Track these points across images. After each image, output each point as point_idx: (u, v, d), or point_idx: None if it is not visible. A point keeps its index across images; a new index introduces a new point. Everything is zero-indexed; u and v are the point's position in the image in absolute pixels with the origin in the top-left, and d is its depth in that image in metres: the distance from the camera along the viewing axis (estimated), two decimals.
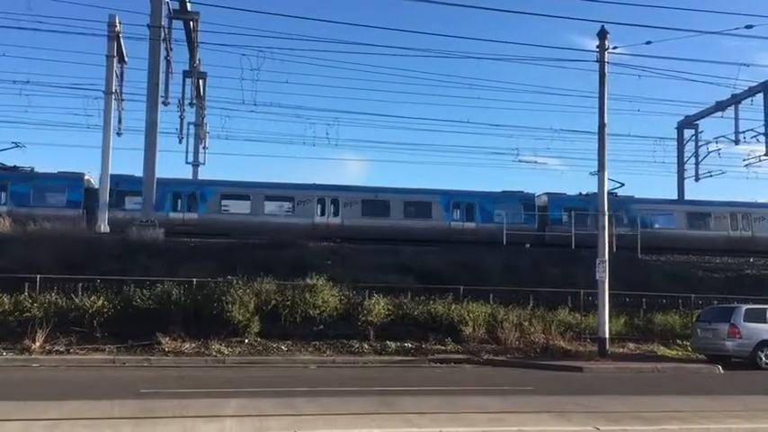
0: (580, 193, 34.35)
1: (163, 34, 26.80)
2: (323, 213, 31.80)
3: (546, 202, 33.88)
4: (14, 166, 31.60)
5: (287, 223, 30.67)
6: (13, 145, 31.45)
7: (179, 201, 31.01)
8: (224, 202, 31.49)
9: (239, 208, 31.46)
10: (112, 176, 29.58)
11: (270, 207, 31.94)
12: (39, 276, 18.78)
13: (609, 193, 21.64)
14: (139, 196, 27.37)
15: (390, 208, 32.07)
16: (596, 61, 21.13)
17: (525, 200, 33.43)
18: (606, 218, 20.76)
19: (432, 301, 20.68)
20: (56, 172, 31.24)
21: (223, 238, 26.86)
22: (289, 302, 19.46)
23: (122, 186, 30.06)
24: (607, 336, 19.86)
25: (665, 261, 29.55)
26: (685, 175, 43.20)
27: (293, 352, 18.72)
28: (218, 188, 31.84)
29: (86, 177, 31.15)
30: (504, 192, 34.04)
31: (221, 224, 30.19)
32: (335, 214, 31.67)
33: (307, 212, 31.62)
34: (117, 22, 29.04)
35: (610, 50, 21.01)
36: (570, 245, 29.59)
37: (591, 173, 25.23)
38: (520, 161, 37.20)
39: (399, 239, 28.88)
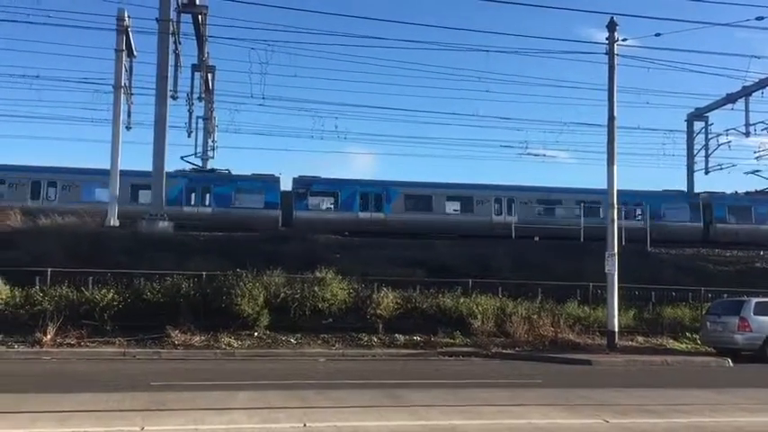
0: (736, 192, 36.62)
1: (171, 28, 26.87)
2: (499, 212, 32.95)
3: (708, 200, 35.20)
4: (212, 170, 33.66)
5: (466, 221, 32.29)
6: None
7: (367, 201, 32.28)
8: (407, 202, 32.66)
9: (422, 207, 32.53)
10: (303, 178, 32.07)
11: (450, 206, 33.34)
12: (50, 270, 18.91)
13: None
14: (325, 196, 31.24)
15: (563, 207, 33.52)
16: (605, 53, 21.04)
17: (690, 199, 35.20)
18: (615, 211, 20.69)
19: (441, 295, 20.69)
20: (251, 174, 32.70)
21: (408, 238, 27.96)
22: (298, 295, 19.52)
23: (315, 188, 32.18)
24: (616, 329, 19.83)
25: (675, 254, 29.44)
26: (695, 168, 42.98)
27: (302, 345, 18.79)
28: (402, 189, 33.03)
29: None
30: (665, 191, 35.76)
31: (406, 223, 31.25)
32: (511, 213, 32.82)
33: (485, 211, 32.82)
34: (126, 16, 29.13)
35: (619, 42, 20.90)
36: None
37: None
38: (528, 154, 37.15)
39: (574, 237, 29.69)
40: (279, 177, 32.34)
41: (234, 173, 33.21)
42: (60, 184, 30.66)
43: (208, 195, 31.46)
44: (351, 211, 31.87)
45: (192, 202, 31.33)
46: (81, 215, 25.23)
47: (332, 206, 32.52)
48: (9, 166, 31.37)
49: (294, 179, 32.38)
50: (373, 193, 32.54)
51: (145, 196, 29.45)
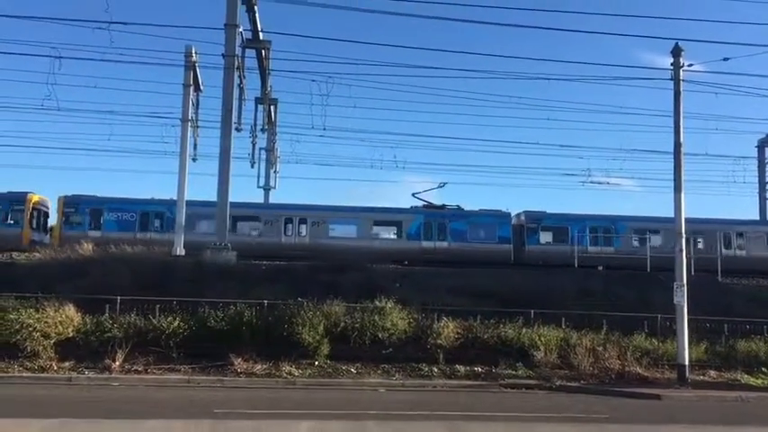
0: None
1: (237, 63, 27.64)
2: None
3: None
4: (443, 205, 34.96)
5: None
6: (439, 185, 35.42)
7: (597, 235, 33.55)
8: (634, 235, 33.77)
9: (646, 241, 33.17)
10: (533, 213, 33.95)
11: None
12: (119, 298, 19.48)
13: None
14: (555, 231, 32.56)
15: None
16: (671, 79, 20.59)
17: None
18: (684, 240, 20.07)
19: (502, 325, 20.36)
20: (479, 210, 34.53)
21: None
22: (358, 325, 19.52)
23: (545, 222, 33.75)
24: (687, 362, 19.10)
25: (748, 284, 28.27)
26: (767, 195, 41.40)
27: (362, 374, 18.74)
28: (630, 223, 34.14)
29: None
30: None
31: (632, 256, 31.60)
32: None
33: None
34: (193, 52, 30.15)
35: (685, 68, 20.45)
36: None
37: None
38: (591, 182, 36.51)
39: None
40: (509, 213, 33.81)
41: (466, 209, 34.76)
42: (310, 221, 32.72)
43: (444, 231, 32.97)
44: (581, 245, 32.78)
45: (430, 238, 32.75)
46: (149, 245, 25.98)
47: (562, 240, 33.18)
48: (264, 204, 35.10)
49: (526, 214, 33.68)
50: (602, 227, 33.59)
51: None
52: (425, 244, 31.90)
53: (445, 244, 32.43)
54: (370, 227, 32.74)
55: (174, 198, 30.46)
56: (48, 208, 33.80)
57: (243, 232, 32.44)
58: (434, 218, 33.28)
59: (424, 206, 34.67)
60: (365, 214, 32.66)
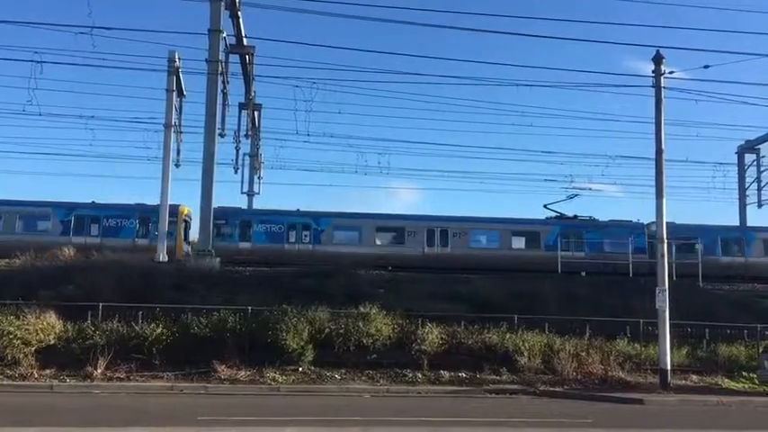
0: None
1: (220, 68, 27.58)
2: None
3: None
4: (575, 216, 35.67)
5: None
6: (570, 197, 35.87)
7: (729, 246, 34.43)
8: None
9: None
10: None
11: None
12: (101, 304, 19.31)
13: None
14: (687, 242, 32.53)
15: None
16: (652, 86, 20.81)
17: None
18: (666, 245, 20.26)
19: (486, 330, 20.43)
20: (609, 221, 35.30)
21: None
22: (342, 331, 19.50)
23: (676, 234, 34.35)
24: (669, 367, 19.25)
25: (728, 290, 28.62)
26: (747, 201, 41.93)
27: (347, 380, 18.71)
28: (759, 234, 35.14)
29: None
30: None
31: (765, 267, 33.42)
32: None
33: None
34: (176, 57, 30.03)
35: (666, 75, 20.68)
36: None
37: None
38: (573, 188, 36.77)
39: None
40: (643, 224, 34.06)
41: (599, 220, 35.49)
42: (451, 231, 33.22)
43: (581, 241, 33.72)
44: (713, 255, 33.28)
45: (567, 248, 33.12)
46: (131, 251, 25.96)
47: (692, 251, 33.25)
48: (407, 215, 35.06)
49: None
50: (734, 238, 34.48)
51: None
52: (563, 254, 32.32)
53: (582, 254, 33.03)
54: (509, 238, 33.27)
55: (324, 210, 33.06)
56: (191, 219, 34.15)
57: (384, 243, 33.14)
58: (571, 229, 34.17)
59: (556, 217, 35.56)
60: (505, 225, 33.39)
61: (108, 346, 18.03)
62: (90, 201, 33.46)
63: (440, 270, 28.77)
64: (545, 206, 35.99)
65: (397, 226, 33.53)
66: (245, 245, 32.15)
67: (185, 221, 33.59)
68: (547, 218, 35.58)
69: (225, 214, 32.44)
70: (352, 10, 22.79)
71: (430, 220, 33.78)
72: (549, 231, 33.73)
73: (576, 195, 36.26)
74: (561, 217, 35.44)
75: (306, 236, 32.73)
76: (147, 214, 32.41)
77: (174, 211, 32.03)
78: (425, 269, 29.26)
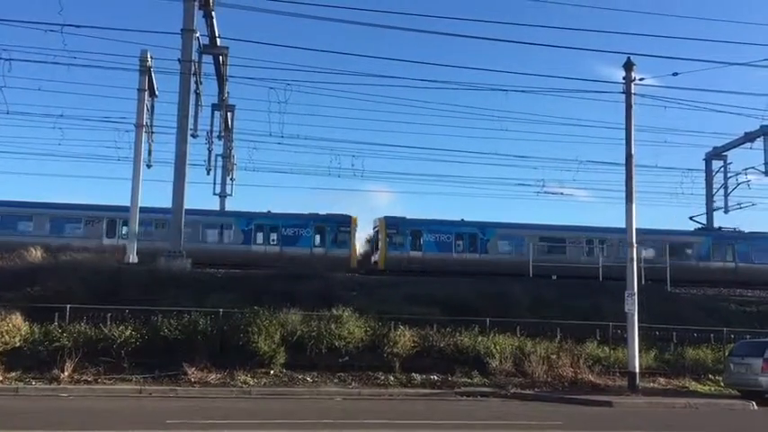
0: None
1: (193, 68, 27.36)
2: None
3: None
4: (719, 228, 37.52)
5: None
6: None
7: None
8: None
9: None
10: None
11: None
12: (69, 306, 19.01)
13: None
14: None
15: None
16: (623, 92, 21.10)
17: None
18: (635, 249, 20.52)
19: (458, 333, 20.51)
20: (749, 231, 36.84)
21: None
22: (314, 333, 19.45)
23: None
24: (637, 370, 19.50)
25: (696, 294, 29.10)
26: (714, 207, 42.66)
27: (319, 383, 18.65)
28: None
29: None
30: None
31: None
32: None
33: None
34: (148, 56, 29.71)
35: (636, 82, 20.98)
36: None
37: None
38: (546, 192, 37.10)
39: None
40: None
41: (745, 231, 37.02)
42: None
43: (732, 252, 35.30)
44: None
45: (716, 259, 34.93)
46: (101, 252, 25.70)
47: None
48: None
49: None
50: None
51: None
52: (714, 264, 33.83)
53: (732, 264, 34.65)
54: (666, 248, 33.43)
55: (488, 221, 34.37)
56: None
57: (546, 252, 33.52)
58: (722, 240, 35.74)
59: (701, 228, 37.53)
60: (662, 237, 34.25)
61: (75, 348, 17.75)
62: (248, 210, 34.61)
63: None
64: (690, 218, 38.83)
65: (559, 236, 34.63)
66: (415, 254, 33.18)
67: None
68: (696, 229, 38.19)
69: (396, 224, 33.56)
70: (326, 12, 22.80)
71: (589, 231, 34.95)
72: (701, 243, 35.83)
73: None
74: (707, 228, 37.63)
75: (472, 245, 33.45)
76: (321, 223, 33.18)
77: (347, 221, 33.52)
78: (586, 278, 29.72)
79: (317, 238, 33.46)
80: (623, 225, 20.84)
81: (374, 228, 36.05)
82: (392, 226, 33.67)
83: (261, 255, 31.52)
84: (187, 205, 27.19)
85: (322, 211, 34.27)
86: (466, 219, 35.49)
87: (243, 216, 33.58)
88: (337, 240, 33.45)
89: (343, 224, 33.48)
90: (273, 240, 33.14)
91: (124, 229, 31.55)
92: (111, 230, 32.33)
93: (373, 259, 35.34)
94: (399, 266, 31.52)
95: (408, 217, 34.85)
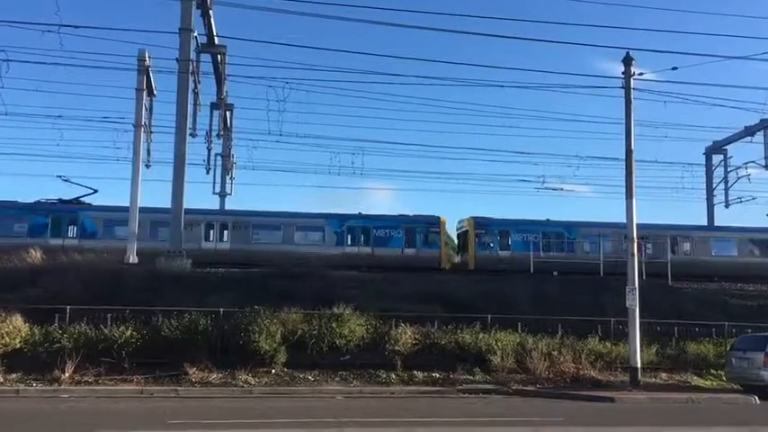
0: None
1: (191, 68, 27.31)
2: None
3: None
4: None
5: None
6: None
7: None
8: None
9: None
10: None
11: None
12: (69, 307, 18.97)
13: None
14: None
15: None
16: (622, 87, 21.04)
17: None
18: (636, 245, 20.48)
19: (459, 330, 20.48)
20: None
21: None
22: (315, 332, 19.41)
23: None
24: (639, 365, 19.48)
25: (697, 288, 29.05)
26: (715, 201, 42.65)
27: (320, 382, 18.62)
28: None
29: None
30: None
31: None
32: None
33: None
34: (146, 56, 29.67)
35: (635, 77, 20.92)
36: None
37: None
38: (546, 188, 37.08)
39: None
40: None
41: None
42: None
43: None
44: None
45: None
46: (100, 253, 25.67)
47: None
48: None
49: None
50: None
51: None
52: None
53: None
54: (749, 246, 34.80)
55: (574, 220, 34.76)
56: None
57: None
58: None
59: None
60: (744, 234, 35.20)
61: (76, 349, 17.70)
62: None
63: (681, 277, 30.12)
64: None
65: (643, 235, 34.40)
66: (504, 253, 33.66)
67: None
68: None
69: (485, 224, 34.09)
70: (325, 9, 22.70)
71: (667, 229, 35.09)
72: None
73: None
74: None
75: (559, 244, 34.17)
76: (411, 224, 33.71)
77: (436, 221, 34.16)
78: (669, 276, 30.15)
79: (408, 238, 33.91)
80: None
81: (458, 228, 36.58)
82: (481, 226, 34.32)
83: (353, 256, 32.21)
84: (186, 205, 27.14)
85: (410, 212, 35.15)
86: (543, 219, 35.93)
87: (335, 218, 33.99)
88: (427, 241, 33.96)
89: (433, 225, 34.05)
90: (365, 242, 33.60)
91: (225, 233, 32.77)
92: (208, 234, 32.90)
93: (459, 259, 35.67)
94: (488, 266, 32.07)
95: (495, 217, 35.46)
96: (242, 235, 32.46)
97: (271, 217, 33.50)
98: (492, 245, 34.26)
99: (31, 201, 32.52)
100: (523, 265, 31.33)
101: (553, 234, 34.48)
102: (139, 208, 29.43)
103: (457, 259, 36.07)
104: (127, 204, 29.45)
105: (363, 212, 34.99)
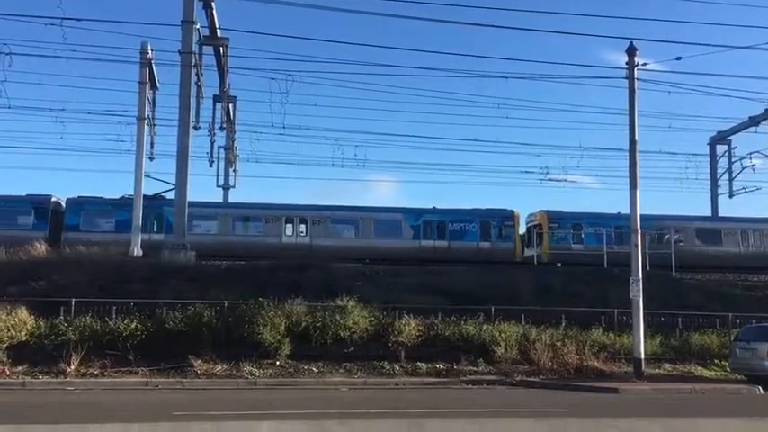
0: None
1: (194, 60, 27.28)
2: None
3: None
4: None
5: None
6: None
7: None
8: None
9: None
10: None
11: None
12: (74, 300, 19.05)
13: None
14: None
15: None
16: (626, 78, 20.98)
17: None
18: (639, 236, 20.46)
19: (463, 322, 20.50)
20: None
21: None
22: (319, 324, 19.47)
23: None
24: (642, 356, 19.50)
25: (701, 279, 29.03)
26: (719, 192, 42.54)
27: (324, 374, 18.69)
28: None
29: None
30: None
31: None
32: None
33: None
34: (149, 49, 29.63)
35: (639, 67, 20.86)
36: None
37: None
38: (549, 180, 37.01)
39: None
40: None
41: None
42: None
43: None
44: None
45: None
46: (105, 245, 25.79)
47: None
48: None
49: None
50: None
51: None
52: None
53: None
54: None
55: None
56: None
57: (702, 244, 34.76)
58: None
59: None
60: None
61: (81, 341, 17.82)
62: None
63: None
64: None
65: (714, 228, 35.89)
66: (577, 246, 34.29)
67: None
68: None
69: (558, 218, 34.70)
70: (327, 1, 22.64)
71: (741, 222, 35.85)
72: None
73: None
74: None
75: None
76: (486, 218, 34.23)
77: (510, 215, 34.71)
78: (741, 269, 31.02)
79: (483, 232, 34.27)
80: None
81: (528, 222, 36.87)
82: (554, 220, 34.82)
83: (429, 250, 32.74)
84: (191, 198, 27.18)
85: (483, 207, 35.43)
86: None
87: (412, 212, 34.50)
88: (502, 235, 34.40)
89: (507, 219, 34.49)
90: (440, 235, 33.92)
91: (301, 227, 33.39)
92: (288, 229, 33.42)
93: (530, 252, 35.76)
94: (561, 259, 32.47)
95: (566, 211, 35.84)
96: (321, 230, 33.04)
97: (348, 211, 34.04)
98: (565, 238, 34.81)
99: (117, 197, 33.14)
100: (596, 258, 31.67)
101: (625, 227, 34.50)
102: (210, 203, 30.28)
103: (527, 253, 35.97)
104: (210, 200, 30.00)
105: (438, 207, 35.41)
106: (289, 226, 33.24)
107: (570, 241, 34.61)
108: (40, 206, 31.58)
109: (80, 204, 32.12)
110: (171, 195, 32.22)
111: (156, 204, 32.18)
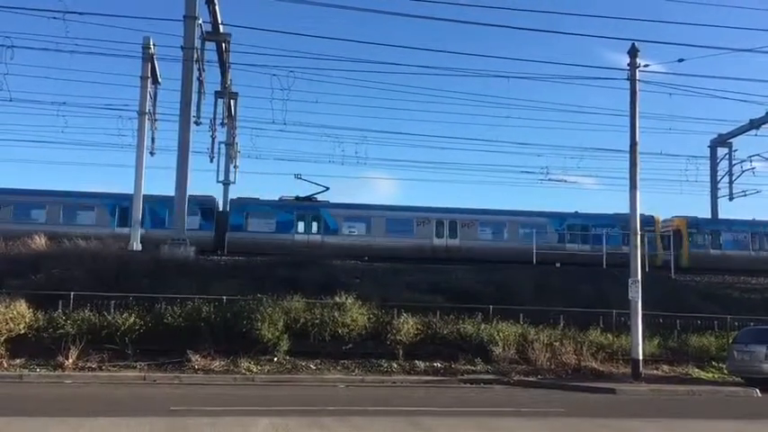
0: None
1: (195, 55, 27.22)
2: None
3: None
4: None
5: None
6: None
7: None
8: None
9: None
10: None
11: None
12: (72, 293, 19.05)
13: None
14: None
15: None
16: (627, 79, 20.95)
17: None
18: (638, 237, 20.46)
19: (461, 321, 20.51)
20: None
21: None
22: (318, 321, 19.47)
23: None
24: (640, 357, 19.50)
25: (700, 281, 29.05)
26: (719, 195, 42.51)
27: (322, 371, 18.70)
28: None
29: None
30: None
31: None
32: None
33: None
34: (151, 44, 29.59)
35: (641, 68, 20.83)
36: None
37: None
38: (549, 180, 36.97)
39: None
40: None
41: None
42: None
43: None
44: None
45: None
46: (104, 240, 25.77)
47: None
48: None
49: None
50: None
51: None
52: None
53: None
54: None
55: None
56: None
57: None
58: None
59: None
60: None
61: (79, 335, 17.82)
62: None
63: None
64: None
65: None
66: (715, 252, 34.78)
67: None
68: None
69: (696, 224, 35.38)
70: None
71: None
72: None
73: None
74: None
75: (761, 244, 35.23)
76: (627, 223, 34.05)
77: (651, 220, 33.96)
78: None
79: (624, 236, 33.37)
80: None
81: (662, 228, 36.73)
82: (693, 226, 35.33)
83: (575, 253, 32.92)
84: (191, 192, 27.15)
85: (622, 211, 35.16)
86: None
87: (556, 217, 34.91)
88: (644, 240, 34.17)
89: (647, 224, 33.71)
90: (583, 239, 34.28)
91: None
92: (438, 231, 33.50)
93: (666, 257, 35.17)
94: (700, 264, 32.84)
95: (701, 217, 36.66)
96: (470, 232, 33.37)
97: (495, 215, 34.38)
98: (704, 244, 35.22)
99: (275, 198, 33.82)
100: (734, 262, 32.14)
101: (763, 233, 35.40)
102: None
103: (665, 258, 35.06)
104: (351, 201, 31.32)
105: (580, 211, 35.75)
106: (439, 229, 33.62)
107: (709, 246, 35.07)
108: (205, 207, 32.12)
109: (244, 205, 32.94)
110: (323, 197, 33.80)
111: (314, 206, 33.00)
